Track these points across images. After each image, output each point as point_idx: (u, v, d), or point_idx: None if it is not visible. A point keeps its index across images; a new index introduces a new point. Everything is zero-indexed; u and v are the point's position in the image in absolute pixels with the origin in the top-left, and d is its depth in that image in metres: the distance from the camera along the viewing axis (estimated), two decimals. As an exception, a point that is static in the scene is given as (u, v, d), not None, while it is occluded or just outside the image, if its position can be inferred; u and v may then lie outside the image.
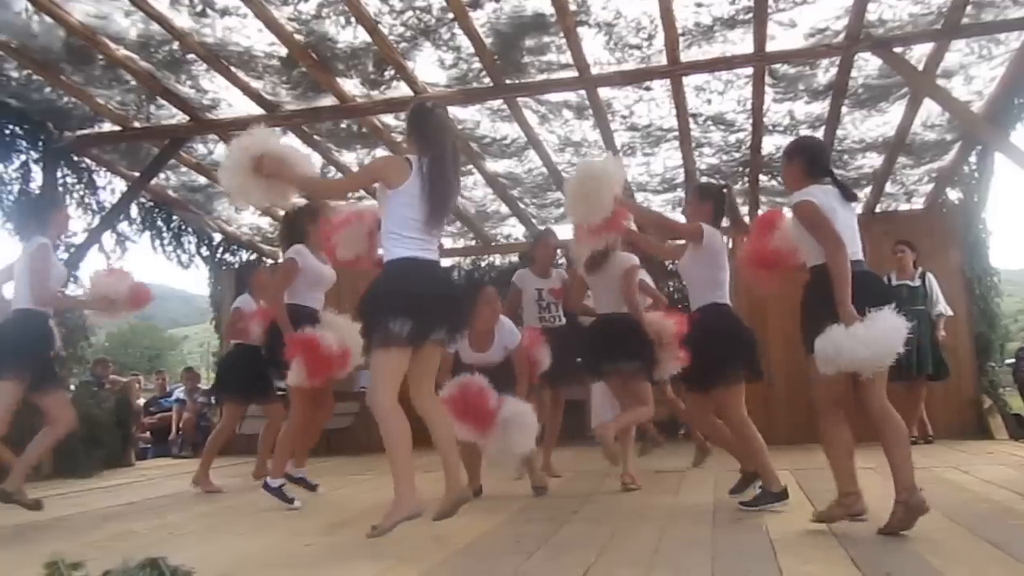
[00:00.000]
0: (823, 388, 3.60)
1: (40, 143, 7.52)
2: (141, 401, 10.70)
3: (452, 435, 3.63)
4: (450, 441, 3.56)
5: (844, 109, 7.14)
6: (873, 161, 8.23)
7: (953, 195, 8.77)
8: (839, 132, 7.52)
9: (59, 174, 7.76)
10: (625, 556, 3.04)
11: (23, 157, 7.47)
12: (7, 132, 7.26)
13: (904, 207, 9.21)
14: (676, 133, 7.65)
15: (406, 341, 3.38)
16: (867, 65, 6.56)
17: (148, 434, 10.61)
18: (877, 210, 9.08)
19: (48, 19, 5.93)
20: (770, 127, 7.54)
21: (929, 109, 7.19)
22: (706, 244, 4.23)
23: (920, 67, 6.41)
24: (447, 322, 3.52)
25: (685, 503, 4.36)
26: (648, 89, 7.00)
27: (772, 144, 7.88)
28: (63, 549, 3.19)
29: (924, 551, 2.90)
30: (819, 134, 7.56)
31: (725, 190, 4.57)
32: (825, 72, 6.65)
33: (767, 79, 6.69)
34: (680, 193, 9.03)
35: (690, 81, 6.82)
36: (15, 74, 6.69)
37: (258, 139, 3.80)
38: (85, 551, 3.31)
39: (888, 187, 8.75)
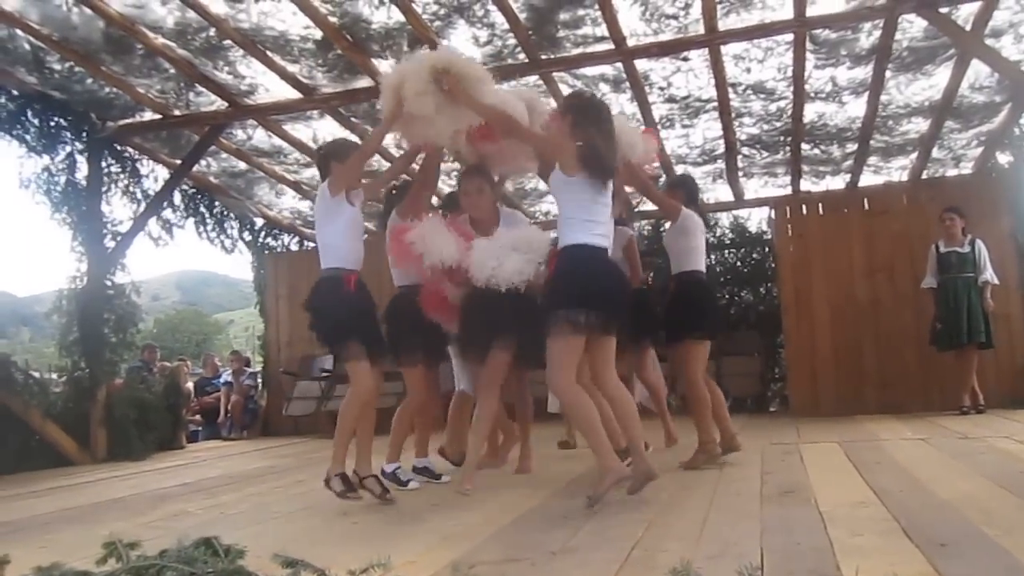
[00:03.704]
0: (697, 364, 4.68)
1: (84, 134, 7.67)
2: (190, 384, 10.90)
3: (635, 414, 3.80)
4: (634, 420, 3.76)
5: (888, 73, 6.97)
6: (919, 126, 8.04)
7: (1003, 159, 8.55)
8: (883, 97, 7.35)
9: (103, 164, 7.90)
10: (672, 531, 3.03)
11: (68, 148, 7.63)
12: (52, 124, 7.40)
13: (952, 172, 9.01)
14: (715, 104, 7.54)
15: (588, 330, 3.56)
16: (911, 27, 6.38)
17: (198, 417, 10.83)
18: (924, 176, 8.88)
19: (87, 10, 6.02)
20: (812, 94, 7.39)
21: (977, 70, 7.00)
22: (681, 222, 4.79)
23: (967, 27, 6.23)
24: (623, 312, 3.73)
25: (732, 476, 4.32)
26: (686, 59, 6.90)
27: (814, 112, 7.75)
28: (120, 529, 3.29)
29: (979, 521, 2.85)
30: (862, 100, 7.42)
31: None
32: (868, 36, 6.49)
33: (808, 45, 6.55)
34: (721, 164, 8.91)
35: (729, 50, 6.70)
36: (57, 67, 6.81)
37: (443, 55, 3.90)
38: (141, 531, 3.40)
39: (935, 152, 8.56)
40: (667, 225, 5.14)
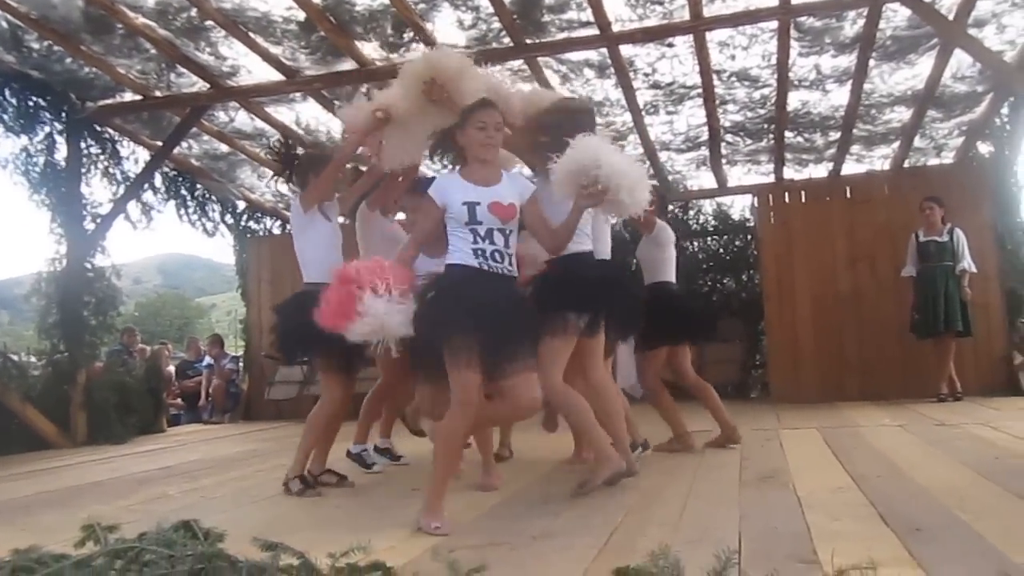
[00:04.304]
0: (654, 369, 4.86)
1: (63, 114, 7.57)
2: (171, 368, 10.85)
3: (619, 408, 3.93)
4: (617, 414, 3.86)
5: (872, 62, 6.99)
6: (902, 115, 8.08)
7: (984, 149, 8.59)
8: (866, 86, 7.38)
9: (83, 145, 7.81)
10: (652, 516, 3.05)
11: (47, 129, 7.54)
12: (31, 104, 7.30)
13: (933, 162, 9.06)
14: (700, 90, 7.54)
15: (580, 331, 3.60)
16: (895, 16, 6.40)
17: (180, 400, 10.78)
18: (906, 165, 8.93)
19: (66, -12, 5.92)
20: (796, 82, 7.40)
21: (960, 60, 7.03)
22: (656, 233, 4.91)
23: (951, 16, 6.24)
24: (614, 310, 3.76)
25: (712, 463, 4.36)
26: (671, 46, 6.89)
27: (798, 100, 7.76)
28: (100, 512, 3.27)
29: (954, 506, 2.89)
30: (846, 88, 7.44)
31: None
32: (852, 24, 6.50)
33: (792, 33, 6.56)
34: (704, 151, 8.93)
35: (714, 36, 6.70)
36: (36, 45, 6.70)
37: (432, 62, 3.83)
38: (121, 514, 3.39)
39: (917, 141, 8.61)
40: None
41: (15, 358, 7.42)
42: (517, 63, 7.00)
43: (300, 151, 4.76)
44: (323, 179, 4.07)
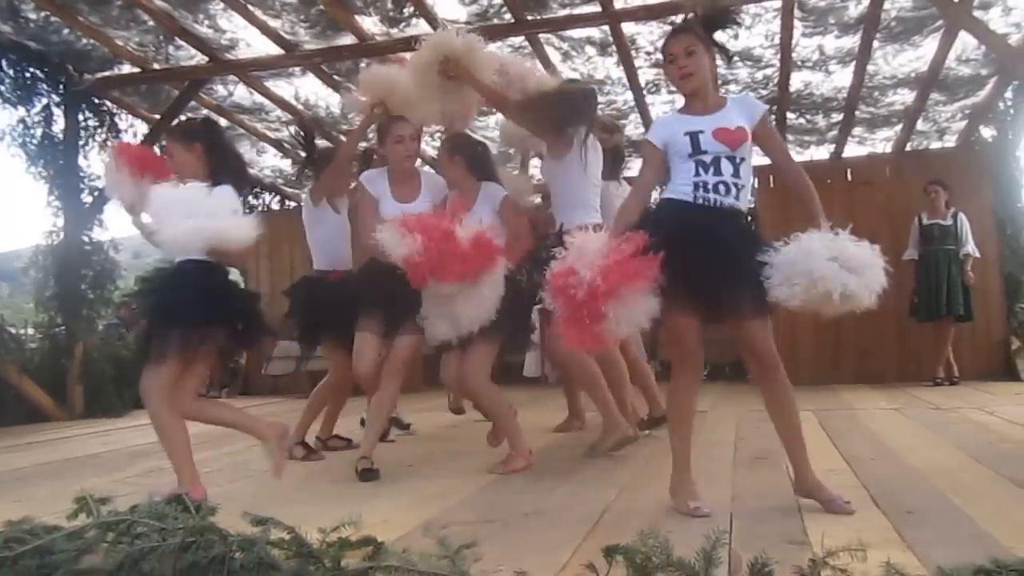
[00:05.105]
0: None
1: (61, 86, 7.53)
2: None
3: (625, 377, 4.16)
4: (624, 383, 4.10)
5: (876, 43, 6.93)
6: (905, 97, 8.02)
7: (987, 133, 8.54)
8: (870, 67, 7.32)
9: (80, 117, 7.76)
10: (645, 494, 3.06)
11: (44, 100, 7.49)
12: (28, 75, 7.26)
13: (936, 145, 9.01)
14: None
15: None
16: (901, -4, 6.34)
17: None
18: (908, 148, 8.89)
19: (63, -42, 5.86)
20: (799, 63, 7.34)
21: (964, 42, 6.96)
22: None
23: (956, -2, 6.19)
24: None
25: (707, 442, 4.36)
26: (673, 24, 6.81)
27: (800, 81, 7.70)
28: (94, 485, 3.27)
29: (946, 489, 2.89)
30: (849, 70, 7.38)
31: None
32: (856, 4, 6.43)
33: (796, 12, 6.49)
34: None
35: (717, 15, 6.63)
36: (33, 16, 6.63)
37: (437, 45, 3.90)
38: (115, 487, 3.40)
39: (920, 124, 8.55)
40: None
41: (12, 331, 7.42)
42: (518, 40, 6.94)
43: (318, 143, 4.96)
44: (328, 174, 4.33)
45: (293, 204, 10.65)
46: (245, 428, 3.38)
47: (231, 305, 3.21)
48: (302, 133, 4.74)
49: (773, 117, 8.40)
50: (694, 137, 2.78)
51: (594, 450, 3.87)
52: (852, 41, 6.94)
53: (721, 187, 2.76)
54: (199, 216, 2.91)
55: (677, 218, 2.75)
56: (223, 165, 3.24)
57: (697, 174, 2.77)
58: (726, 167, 2.78)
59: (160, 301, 3.18)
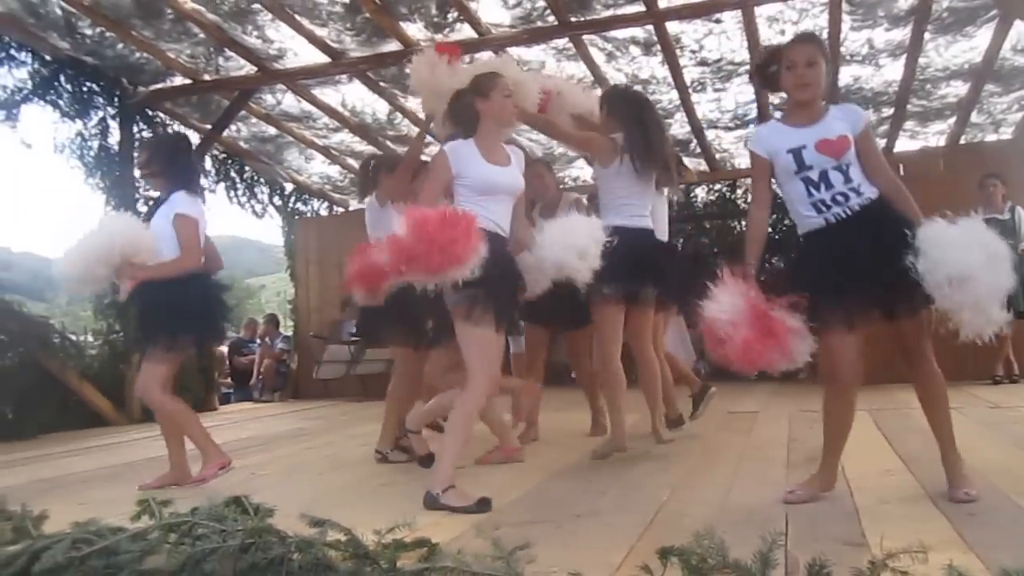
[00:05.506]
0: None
1: (116, 99, 7.73)
2: (223, 348, 11.03)
3: (657, 381, 4.23)
4: (655, 387, 4.23)
5: (927, 35, 6.79)
6: (958, 90, 7.84)
7: (1044, 123, 8.31)
8: (921, 60, 7.17)
9: (135, 129, 7.95)
10: (697, 495, 3.04)
11: (100, 113, 7.71)
12: (84, 89, 7.47)
13: (991, 138, 8.79)
14: (748, 67, 7.39)
15: (624, 301, 3.89)
16: (952, -14, 6.21)
17: (230, 380, 10.98)
18: (962, 141, 8.69)
19: (117, -25, 6.02)
20: (848, 57, 7.22)
21: (1020, 31, 6.79)
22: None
23: (1010, -14, 6.04)
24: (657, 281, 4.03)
25: (758, 442, 4.32)
26: (718, 22, 6.77)
27: (849, 75, 7.58)
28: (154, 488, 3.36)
29: (1009, 489, 2.83)
30: (900, 63, 7.24)
31: None
32: (906, -4, 6.32)
33: (844, 6, 6.39)
34: (752, 129, 8.78)
35: (762, 11, 6.56)
36: (89, 32, 6.83)
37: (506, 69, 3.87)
38: (174, 490, 3.48)
39: (974, 117, 8.36)
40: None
41: (73, 337, 7.63)
42: (562, 42, 6.94)
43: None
44: (394, 178, 4.36)
45: (341, 210, 10.79)
46: (195, 440, 3.89)
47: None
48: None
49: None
50: (797, 154, 2.83)
51: (595, 453, 4.02)
52: (903, 34, 6.81)
53: (840, 197, 2.80)
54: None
55: (819, 245, 2.88)
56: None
57: (810, 194, 2.83)
58: (835, 178, 2.80)
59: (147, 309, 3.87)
